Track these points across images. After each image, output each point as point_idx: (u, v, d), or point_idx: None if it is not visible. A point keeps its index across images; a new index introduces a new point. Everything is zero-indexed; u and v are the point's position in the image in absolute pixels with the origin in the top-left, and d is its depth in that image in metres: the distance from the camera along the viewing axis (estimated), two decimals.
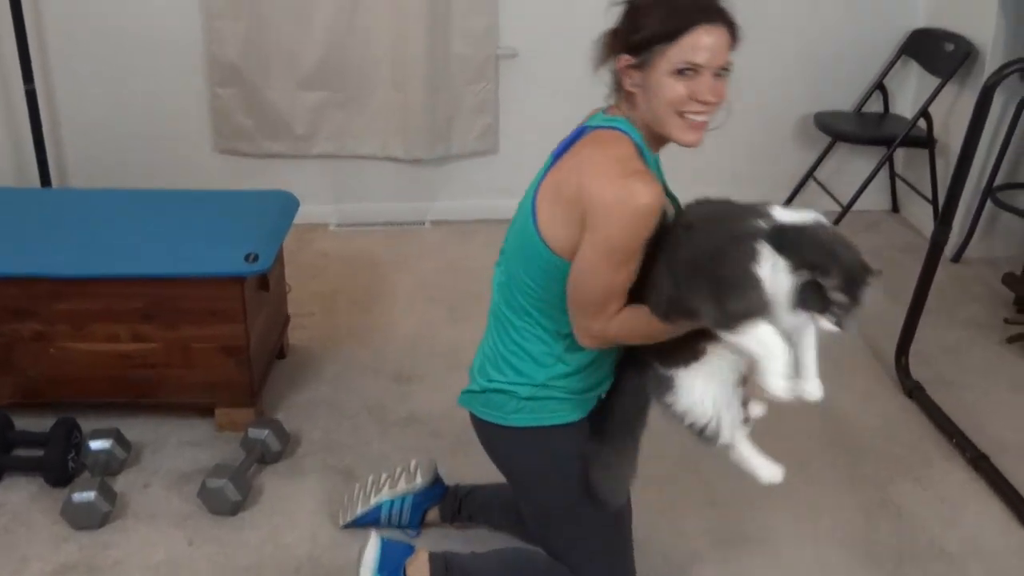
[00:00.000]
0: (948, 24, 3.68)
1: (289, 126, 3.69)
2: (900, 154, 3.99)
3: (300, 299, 3.27)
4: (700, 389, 1.67)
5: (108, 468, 2.38)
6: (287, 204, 2.79)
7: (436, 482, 2.24)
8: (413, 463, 2.23)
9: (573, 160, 1.67)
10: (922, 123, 3.66)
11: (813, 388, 1.60)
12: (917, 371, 2.89)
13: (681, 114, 1.63)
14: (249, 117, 3.66)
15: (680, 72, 1.59)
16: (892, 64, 3.88)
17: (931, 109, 3.64)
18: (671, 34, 1.58)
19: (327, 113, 3.69)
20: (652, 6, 1.61)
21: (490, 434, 1.89)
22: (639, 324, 1.64)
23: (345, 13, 3.54)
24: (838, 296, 1.49)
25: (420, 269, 3.57)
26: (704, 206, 1.68)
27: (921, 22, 3.84)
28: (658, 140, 1.73)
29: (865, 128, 3.82)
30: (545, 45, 3.72)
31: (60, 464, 2.31)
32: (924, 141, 3.70)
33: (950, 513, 2.33)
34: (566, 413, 1.82)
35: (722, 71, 1.62)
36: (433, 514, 2.22)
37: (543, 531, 1.91)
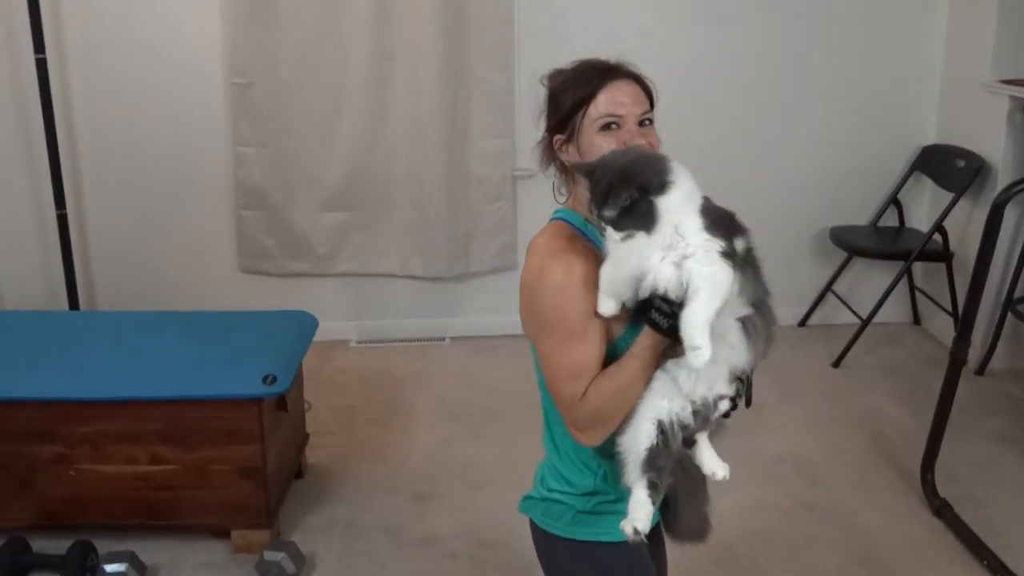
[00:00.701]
0: (957, 140, 3.75)
1: (311, 246, 3.78)
2: (919, 267, 4.01)
3: (320, 417, 3.29)
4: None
5: None
6: (306, 324, 2.83)
7: None
8: None
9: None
10: (938, 237, 3.69)
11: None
12: (943, 488, 2.83)
13: None
14: (272, 238, 3.76)
15: (606, 127, 1.64)
16: (905, 179, 3.93)
17: (946, 223, 3.67)
18: (586, 97, 1.65)
19: (348, 233, 3.78)
20: (565, 84, 1.69)
21: (549, 544, 1.85)
22: (608, 381, 1.59)
23: (366, 137, 3.66)
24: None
25: (439, 386, 3.58)
26: None
27: (932, 139, 3.91)
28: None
29: (881, 242, 3.85)
30: None
31: None
32: (941, 255, 3.71)
33: None
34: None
35: (646, 120, 1.68)
36: None
37: None
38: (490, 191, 3.79)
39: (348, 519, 2.72)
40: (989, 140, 3.54)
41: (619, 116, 1.64)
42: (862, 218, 4.01)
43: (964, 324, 2.66)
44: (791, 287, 4.08)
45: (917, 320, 4.12)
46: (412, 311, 3.97)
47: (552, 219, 1.75)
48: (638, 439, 1.57)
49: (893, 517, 2.73)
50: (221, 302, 3.67)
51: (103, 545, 2.46)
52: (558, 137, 1.71)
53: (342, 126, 3.65)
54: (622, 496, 1.76)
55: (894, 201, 3.95)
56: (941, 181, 3.79)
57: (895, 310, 4.09)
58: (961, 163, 3.65)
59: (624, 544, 1.77)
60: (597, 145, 1.65)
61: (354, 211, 3.76)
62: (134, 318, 2.97)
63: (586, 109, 1.66)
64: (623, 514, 1.73)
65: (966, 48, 3.68)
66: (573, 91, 1.68)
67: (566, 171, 1.73)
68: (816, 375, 3.66)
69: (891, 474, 2.96)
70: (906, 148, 3.94)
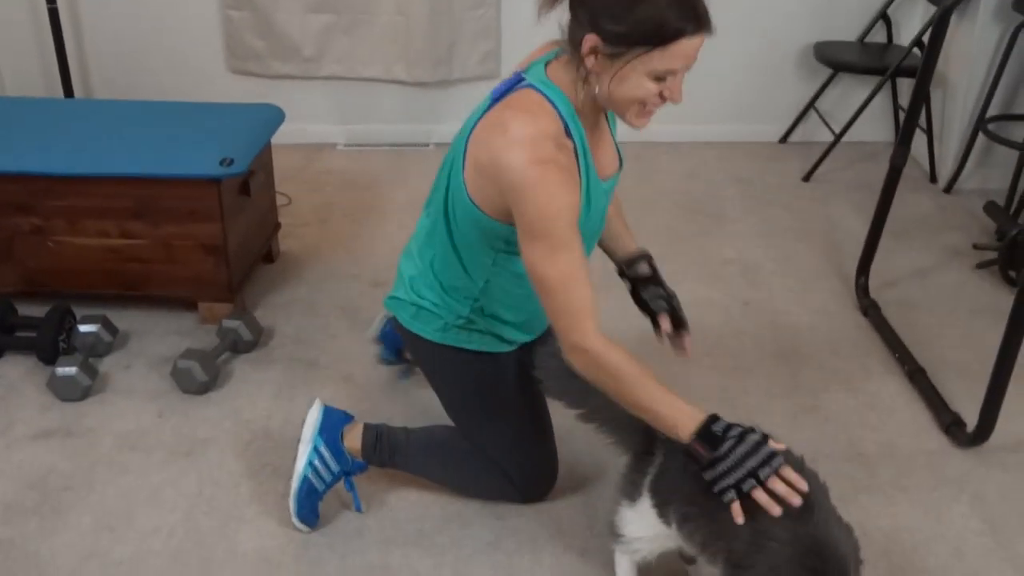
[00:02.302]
0: None
1: (297, 48, 3.85)
2: (905, 85, 3.99)
3: (298, 210, 3.47)
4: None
5: (95, 350, 2.61)
6: (272, 116, 2.96)
7: None
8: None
9: (491, 129, 1.69)
10: (920, 52, 3.66)
11: None
12: (884, 293, 2.95)
13: (643, 105, 1.68)
14: (260, 39, 3.83)
15: (658, 77, 1.62)
16: None
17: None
18: (660, 41, 1.57)
19: (334, 36, 3.84)
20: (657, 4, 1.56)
21: (416, 344, 2.03)
22: (628, 371, 1.63)
23: None
24: None
25: (416, 187, 3.71)
26: None
27: None
28: (597, 113, 1.77)
29: (865, 58, 3.82)
30: None
31: (51, 344, 2.55)
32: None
33: (875, 420, 2.42)
34: (490, 346, 1.97)
35: None
36: None
37: (461, 428, 2.08)
38: None
39: (309, 299, 2.93)
40: None
41: (677, 70, 1.62)
42: (851, 34, 3.97)
43: (905, 132, 2.70)
44: (774, 103, 4.10)
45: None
46: (397, 116, 4.06)
47: (539, 88, 1.69)
48: None
49: (823, 316, 2.87)
50: (212, 100, 3.80)
51: (81, 311, 2.69)
52: (597, 43, 1.60)
53: None
54: (491, 329, 1.93)
55: (883, 16, 3.90)
56: None
57: (878, 128, 4.10)
58: None
59: (497, 355, 1.95)
60: (640, 87, 1.62)
61: (339, 13, 3.80)
62: (117, 106, 3.12)
63: (651, 51, 1.58)
64: (493, 338, 1.92)
65: None
66: (649, 17, 1.56)
67: (580, 61, 1.66)
68: (785, 188, 3.73)
69: (833, 280, 3.08)
70: None
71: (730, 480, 1.54)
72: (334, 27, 3.83)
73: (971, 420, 2.31)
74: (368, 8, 3.80)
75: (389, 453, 2.08)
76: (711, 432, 1.58)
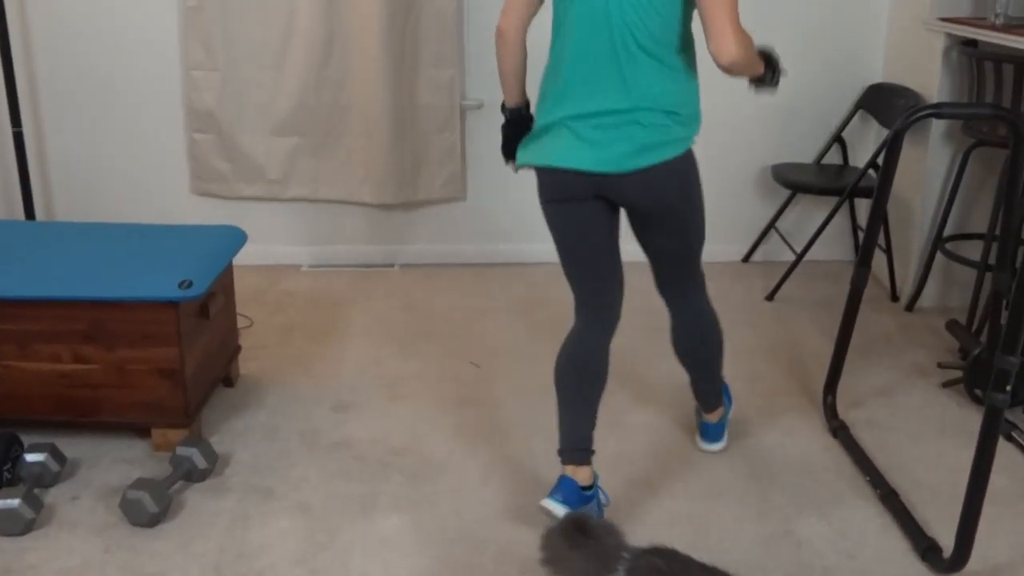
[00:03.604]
0: (900, 79, 3.78)
1: (263, 171, 3.87)
2: (862, 206, 4.07)
3: (259, 333, 3.42)
4: None
5: (41, 480, 2.50)
6: (233, 237, 2.94)
7: None
8: None
9: None
10: (874, 173, 3.74)
11: None
12: (850, 413, 2.93)
13: None
14: (225, 161, 3.85)
15: None
16: (850, 118, 3.97)
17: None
18: None
19: (299, 159, 3.87)
20: None
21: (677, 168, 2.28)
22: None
23: (316, 65, 3.73)
24: None
25: (380, 308, 3.69)
26: None
27: (879, 78, 3.95)
28: None
29: (822, 179, 3.90)
30: None
31: None
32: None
33: (850, 546, 2.36)
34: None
35: None
36: None
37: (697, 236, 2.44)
38: (438, 121, 3.86)
39: (268, 424, 2.85)
40: (927, 78, 3.58)
41: None
42: (807, 156, 4.07)
43: (864, 252, 2.72)
44: (735, 223, 4.16)
45: None
46: (362, 237, 4.07)
47: None
48: None
49: (791, 436, 2.84)
50: (175, 222, 3.78)
51: (28, 439, 2.59)
52: None
53: (293, 52, 3.73)
54: None
55: (838, 139, 4.00)
56: (883, 119, 3.83)
57: (837, 248, 4.17)
58: (901, 101, 3.69)
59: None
60: None
61: (305, 137, 3.85)
62: (77, 228, 3.08)
63: None
64: None
65: None
66: None
67: None
68: (748, 308, 3.75)
69: (799, 399, 3.05)
70: (853, 87, 3.98)
71: None
72: (300, 150, 3.86)
73: (947, 544, 2.26)
74: (333, 131, 3.84)
75: None
76: None
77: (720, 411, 2.71)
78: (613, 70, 2.16)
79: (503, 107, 2.41)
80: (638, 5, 2.14)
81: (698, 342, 2.55)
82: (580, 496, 2.28)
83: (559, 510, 2.21)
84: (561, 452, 2.33)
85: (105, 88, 3.82)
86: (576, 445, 2.32)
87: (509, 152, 2.42)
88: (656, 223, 2.31)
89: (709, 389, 2.63)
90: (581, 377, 2.35)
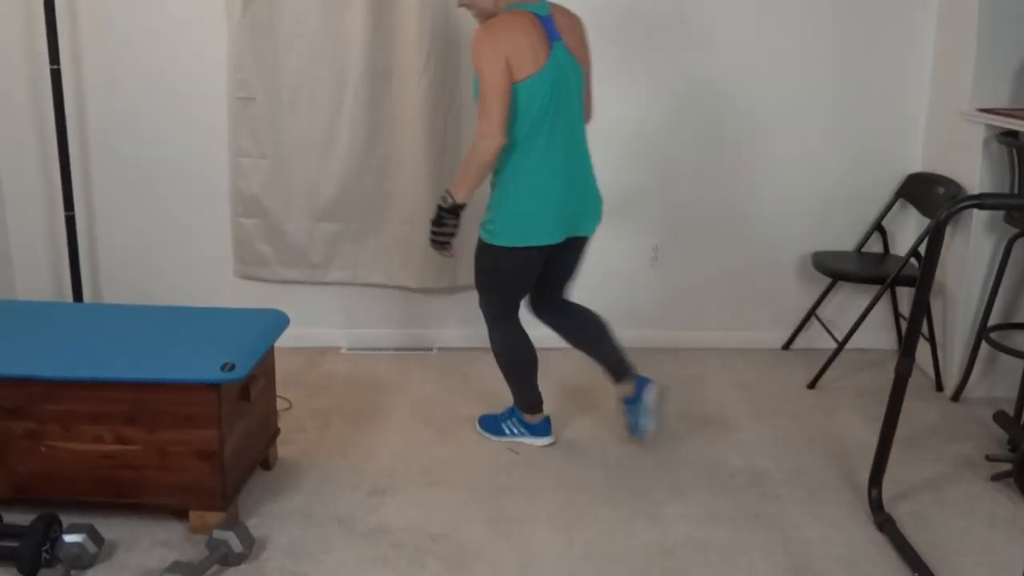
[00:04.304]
0: (940, 168, 3.79)
1: (305, 255, 3.94)
2: (904, 294, 4.04)
3: (298, 415, 3.43)
4: None
5: (79, 562, 2.50)
6: (276, 321, 2.97)
7: None
8: None
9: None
10: (916, 262, 3.72)
11: None
12: (897, 506, 2.86)
13: None
14: (268, 245, 3.93)
15: None
16: (890, 206, 3.97)
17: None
18: None
19: (341, 244, 3.94)
20: None
21: None
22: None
23: (360, 152, 3.82)
24: None
25: (419, 392, 3.69)
26: None
27: (918, 167, 3.96)
28: None
29: (863, 267, 3.88)
30: None
31: (32, 555, 2.44)
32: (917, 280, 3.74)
33: None
34: None
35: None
36: None
37: None
38: (477, 208, 3.90)
39: (305, 508, 2.84)
40: (967, 168, 3.58)
41: None
42: (848, 244, 4.06)
43: (908, 342, 2.69)
44: (776, 310, 4.13)
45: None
46: (401, 321, 4.10)
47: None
48: None
49: (836, 530, 2.77)
50: (218, 304, 3.84)
51: (68, 519, 2.60)
52: None
53: (337, 141, 3.82)
54: None
55: (879, 228, 4.00)
56: (923, 208, 3.83)
57: (880, 336, 4.12)
58: (941, 190, 3.69)
59: None
60: None
61: (347, 223, 3.92)
62: (119, 310, 3.14)
63: None
64: None
65: (950, 78, 3.72)
66: None
67: None
68: (790, 396, 3.70)
69: (844, 491, 2.99)
70: (892, 176, 3.99)
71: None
72: (342, 235, 3.93)
73: None
74: (376, 217, 3.91)
75: None
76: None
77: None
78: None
79: (458, 206, 2.92)
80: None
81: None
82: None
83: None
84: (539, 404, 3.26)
85: (154, 173, 3.93)
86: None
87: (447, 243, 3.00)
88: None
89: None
90: (534, 354, 3.22)
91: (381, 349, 4.08)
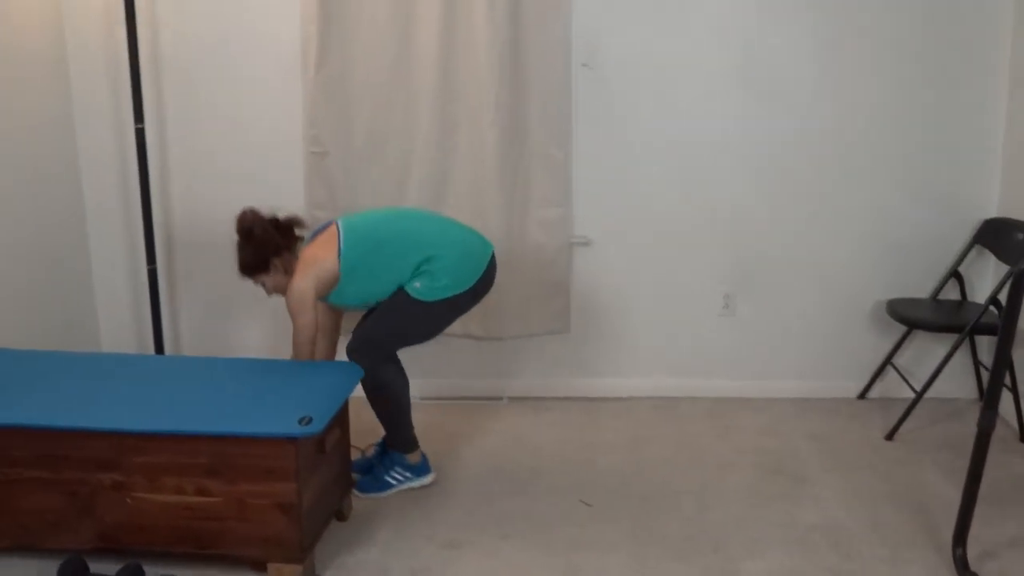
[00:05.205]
0: (1019, 214, 3.71)
1: None
2: (984, 341, 3.95)
3: None
4: None
5: None
6: (350, 373, 3.02)
7: None
8: None
9: None
10: (995, 310, 3.63)
11: None
12: (984, 565, 2.78)
13: None
14: None
15: None
16: (966, 253, 3.90)
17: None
18: None
19: None
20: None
21: None
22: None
23: (431, 203, 3.88)
24: None
25: (490, 442, 3.70)
26: None
27: (994, 212, 3.88)
28: None
29: (939, 315, 3.80)
30: (616, 234, 3.97)
31: None
32: (996, 328, 3.65)
33: None
34: None
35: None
36: None
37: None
38: (547, 257, 3.95)
39: (380, 561, 2.86)
40: None
41: None
42: (923, 291, 3.99)
43: (990, 394, 2.63)
44: (850, 359, 4.07)
45: (983, 396, 4.02)
46: (472, 371, 4.13)
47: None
48: None
49: None
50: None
51: (152, 569, 2.66)
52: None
53: (409, 192, 3.89)
54: None
55: (955, 274, 3.92)
56: (1001, 254, 3.75)
57: (960, 385, 4.03)
58: (1020, 236, 3.61)
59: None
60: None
61: None
62: (199, 363, 3.23)
63: None
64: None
65: None
66: None
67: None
68: (867, 448, 3.62)
69: (926, 549, 2.91)
70: (968, 221, 3.92)
71: None
72: None
73: None
74: None
75: None
76: None
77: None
78: None
79: None
80: None
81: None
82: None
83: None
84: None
85: (231, 229, 4.03)
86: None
87: None
88: None
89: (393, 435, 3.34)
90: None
91: (452, 398, 4.11)
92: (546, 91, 3.83)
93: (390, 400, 3.25)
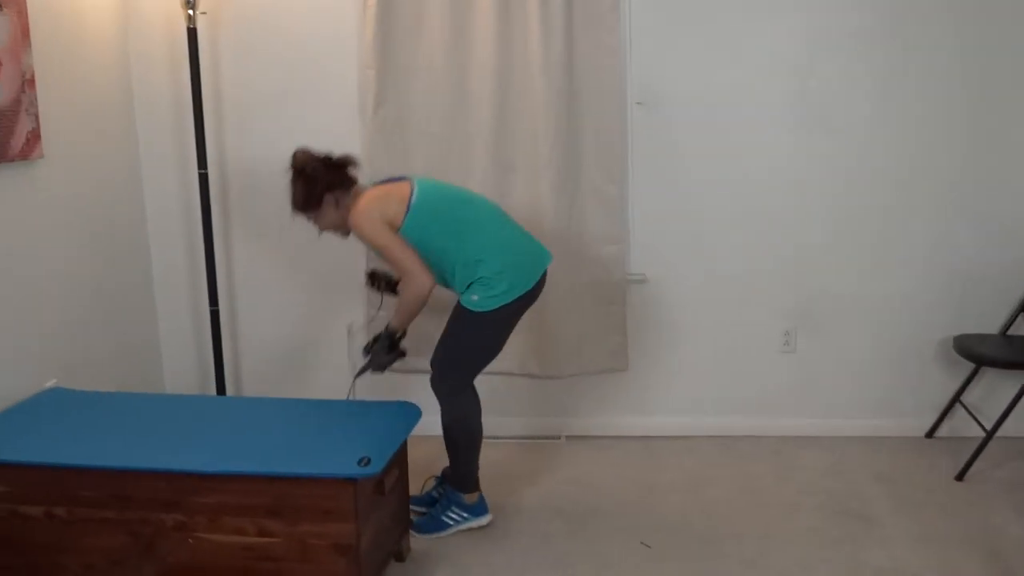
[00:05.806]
0: None
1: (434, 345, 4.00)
2: None
3: None
4: None
5: None
6: (409, 414, 3.03)
7: None
8: None
9: None
10: None
11: None
12: None
13: None
14: None
15: None
16: None
17: None
18: None
19: None
20: None
21: None
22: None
23: None
24: None
25: (548, 482, 3.68)
26: None
27: None
28: None
29: (1011, 352, 3.69)
30: (673, 270, 3.94)
31: None
32: None
33: None
34: None
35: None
36: None
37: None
38: (604, 294, 3.93)
39: None
40: None
41: None
42: (992, 327, 3.88)
43: None
44: (918, 397, 3.98)
45: None
46: (529, 410, 4.11)
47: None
48: None
49: None
50: (351, 398, 3.94)
51: None
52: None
53: None
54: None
55: None
56: None
57: None
58: None
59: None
60: None
61: None
62: (260, 403, 3.26)
63: None
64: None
65: None
66: None
67: None
68: (937, 488, 3.52)
69: None
70: None
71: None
72: None
73: None
74: None
75: None
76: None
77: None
78: None
79: (397, 334, 3.27)
80: None
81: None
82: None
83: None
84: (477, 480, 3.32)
85: (293, 267, 4.10)
86: None
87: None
88: None
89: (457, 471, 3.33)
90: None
91: (509, 437, 4.10)
92: (601, 129, 3.84)
93: (464, 433, 3.25)
